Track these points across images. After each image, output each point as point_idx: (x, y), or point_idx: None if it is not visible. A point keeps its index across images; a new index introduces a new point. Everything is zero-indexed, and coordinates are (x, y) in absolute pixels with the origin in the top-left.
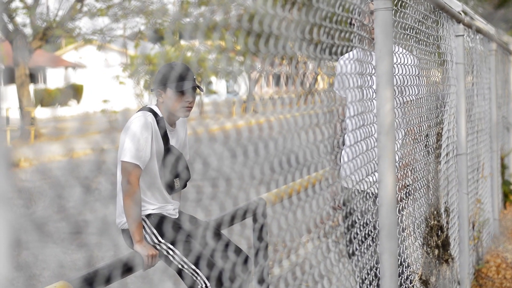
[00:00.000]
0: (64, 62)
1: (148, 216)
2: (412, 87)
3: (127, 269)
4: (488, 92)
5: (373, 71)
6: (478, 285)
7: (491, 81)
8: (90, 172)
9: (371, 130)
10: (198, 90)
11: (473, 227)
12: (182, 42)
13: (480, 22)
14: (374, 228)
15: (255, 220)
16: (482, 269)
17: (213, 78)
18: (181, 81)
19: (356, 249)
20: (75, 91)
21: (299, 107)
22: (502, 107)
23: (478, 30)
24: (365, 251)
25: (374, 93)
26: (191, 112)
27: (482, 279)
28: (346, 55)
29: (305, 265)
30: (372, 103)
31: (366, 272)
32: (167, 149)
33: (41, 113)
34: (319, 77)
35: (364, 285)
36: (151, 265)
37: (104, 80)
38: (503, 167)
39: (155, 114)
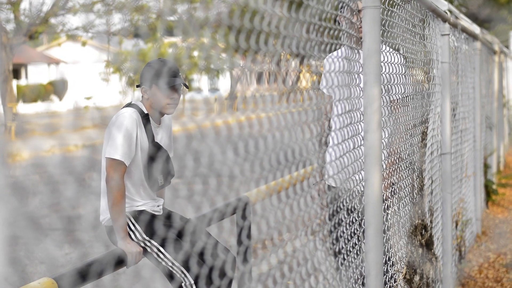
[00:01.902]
0: (48, 58)
1: (132, 213)
2: (398, 85)
3: (112, 266)
4: (472, 91)
5: (361, 70)
6: (461, 284)
7: (475, 80)
8: (80, 168)
9: (358, 129)
10: (183, 87)
11: (456, 227)
12: (166, 40)
13: (465, 22)
14: (360, 226)
15: (239, 217)
16: (465, 269)
17: (195, 76)
18: (167, 78)
19: (342, 247)
20: (59, 87)
21: (283, 105)
22: (486, 107)
23: (463, 30)
24: (351, 249)
25: (361, 92)
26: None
27: (464, 278)
28: (335, 53)
29: (291, 263)
30: (359, 101)
31: (351, 270)
32: (152, 145)
33: (24, 109)
34: (303, 75)
35: (349, 283)
36: (135, 262)
37: (87, 76)
38: (486, 166)
39: (140, 110)
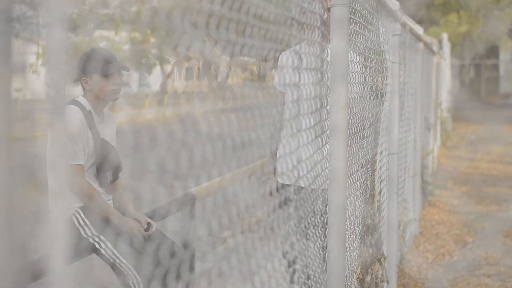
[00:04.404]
0: None
1: (82, 208)
2: (358, 84)
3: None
4: (414, 92)
5: (321, 66)
6: (401, 284)
7: (417, 81)
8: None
9: (324, 127)
10: (123, 71)
11: (399, 227)
12: (97, 33)
13: (410, 22)
14: (323, 226)
15: (185, 214)
16: (405, 269)
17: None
18: (105, 64)
19: (306, 248)
20: None
21: (219, 101)
22: (424, 108)
23: (411, 30)
24: (317, 249)
25: (328, 90)
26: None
27: (404, 278)
28: (292, 48)
29: (232, 259)
30: (326, 99)
31: (313, 270)
32: (99, 142)
33: None
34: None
35: (309, 282)
36: (147, 234)
37: (17, 68)
38: (423, 167)
39: (82, 107)
